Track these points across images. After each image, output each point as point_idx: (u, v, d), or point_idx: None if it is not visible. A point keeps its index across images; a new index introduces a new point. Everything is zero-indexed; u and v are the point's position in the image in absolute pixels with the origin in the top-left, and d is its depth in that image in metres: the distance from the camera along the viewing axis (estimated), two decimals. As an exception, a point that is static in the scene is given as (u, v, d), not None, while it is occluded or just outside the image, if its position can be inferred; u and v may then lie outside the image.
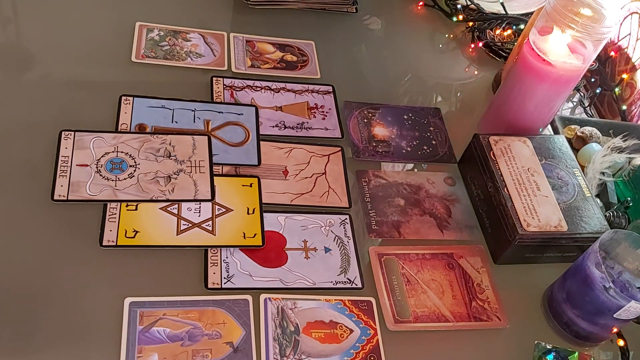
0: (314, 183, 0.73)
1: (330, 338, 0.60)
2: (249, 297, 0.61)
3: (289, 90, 0.83)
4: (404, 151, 0.80)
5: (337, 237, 0.68)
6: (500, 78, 0.91)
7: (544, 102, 0.76)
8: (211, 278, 0.62)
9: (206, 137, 0.73)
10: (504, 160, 0.72)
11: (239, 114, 0.77)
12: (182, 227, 0.65)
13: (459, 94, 0.92)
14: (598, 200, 0.74)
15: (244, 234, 0.66)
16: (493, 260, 0.71)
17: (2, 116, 0.70)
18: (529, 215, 0.67)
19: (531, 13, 0.93)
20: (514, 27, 0.99)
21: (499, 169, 0.71)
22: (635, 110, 0.93)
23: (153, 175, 0.68)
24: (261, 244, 0.65)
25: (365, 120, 0.82)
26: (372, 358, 0.60)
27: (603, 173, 0.77)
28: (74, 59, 0.79)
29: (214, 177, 0.69)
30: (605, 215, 0.71)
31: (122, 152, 0.69)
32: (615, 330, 0.63)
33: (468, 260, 0.70)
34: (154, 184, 0.67)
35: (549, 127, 0.85)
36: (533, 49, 0.73)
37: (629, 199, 0.74)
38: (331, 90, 0.85)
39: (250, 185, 0.70)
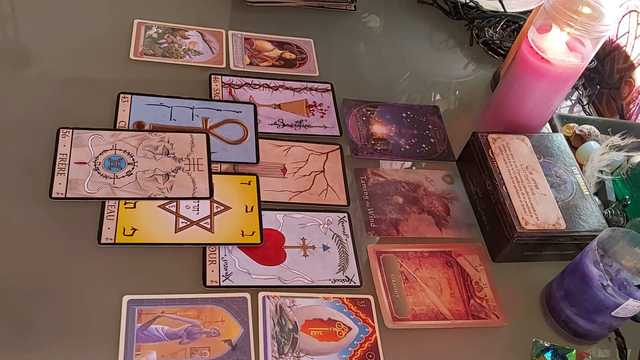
0: (313, 181, 0.73)
1: (328, 336, 0.60)
2: (247, 295, 0.61)
3: (287, 88, 0.83)
4: (402, 149, 0.80)
5: (335, 235, 0.68)
6: (498, 76, 0.91)
7: (543, 100, 0.76)
8: (209, 276, 0.62)
9: (204, 134, 0.73)
10: (503, 159, 0.72)
11: (238, 112, 0.77)
12: (181, 225, 0.65)
13: (457, 92, 0.92)
14: (596, 199, 0.74)
15: (243, 231, 0.66)
16: (491, 258, 0.71)
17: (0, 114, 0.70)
18: (527, 214, 0.67)
19: (530, 11, 0.93)
20: (513, 25, 0.99)
21: (498, 167, 0.71)
22: (634, 108, 0.93)
23: (151, 173, 0.68)
24: (259, 242, 0.65)
25: (364, 118, 0.82)
26: (370, 356, 0.60)
27: (601, 171, 0.77)
28: (72, 57, 0.79)
29: (213, 175, 0.69)
30: (604, 214, 0.71)
31: (120, 149, 0.69)
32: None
33: (466, 258, 0.70)
34: (152, 182, 0.67)
35: (548, 125, 0.85)
36: (532, 47, 0.73)
37: (627, 197, 0.74)
38: (330, 88, 0.84)
39: (249, 183, 0.70)
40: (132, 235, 0.63)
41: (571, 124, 0.85)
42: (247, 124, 0.76)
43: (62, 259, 0.60)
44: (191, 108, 0.76)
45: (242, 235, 0.65)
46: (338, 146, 0.77)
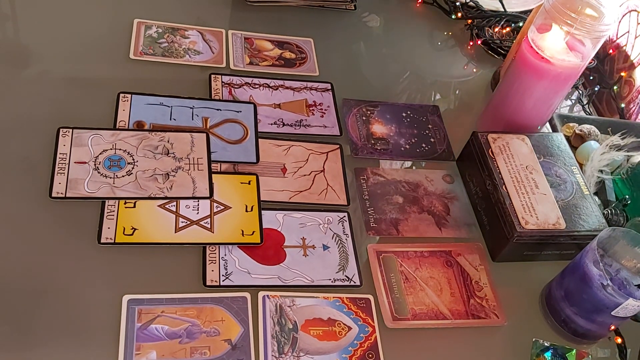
0: (313, 180, 0.73)
1: (328, 335, 0.60)
2: (247, 295, 0.61)
3: (287, 88, 0.83)
4: (402, 149, 0.80)
5: (335, 235, 0.68)
6: (498, 76, 0.91)
7: (543, 99, 0.76)
8: (209, 275, 0.62)
9: (204, 134, 0.73)
10: (503, 158, 0.72)
11: (238, 112, 0.77)
12: (181, 225, 0.65)
13: (457, 92, 0.92)
14: (596, 198, 0.74)
15: (243, 231, 0.66)
16: (491, 257, 0.71)
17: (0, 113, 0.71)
18: (527, 213, 0.67)
19: (530, 10, 0.93)
20: (513, 24, 0.99)
21: (498, 167, 0.71)
22: (634, 108, 0.93)
23: (151, 173, 0.68)
24: (259, 242, 0.65)
25: (364, 118, 0.82)
26: (370, 356, 0.60)
27: (601, 171, 0.77)
28: (72, 56, 0.79)
29: (212, 175, 0.69)
30: (604, 213, 0.71)
31: (120, 149, 0.69)
32: (612, 327, 0.63)
33: (466, 257, 0.70)
34: (152, 182, 0.67)
35: (548, 124, 0.85)
36: (532, 47, 0.73)
37: (627, 196, 0.74)
38: (330, 87, 0.84)
39: (249, 183, 0.70)
40: (132, 234, 0.63)
41: (571, 124, 0.85)
42: (247, 124, 0.76)
43: (62, 259, 0.60)
44: (191, 108, 0.76)
45: (242, 234, 0.65)
46: (338, 146, 0.77)
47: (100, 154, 0.68)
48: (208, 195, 0.67)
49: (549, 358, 0.62)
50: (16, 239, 0.61)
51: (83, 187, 0.65)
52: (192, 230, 0.65)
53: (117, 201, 0.65)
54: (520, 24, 0.97)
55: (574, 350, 0.63)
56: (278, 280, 0.63)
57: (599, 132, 0.83)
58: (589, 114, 0.93)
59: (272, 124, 0.78)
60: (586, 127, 0.83)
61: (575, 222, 0.68)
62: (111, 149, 0.69)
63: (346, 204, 0.72)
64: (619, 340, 0.65)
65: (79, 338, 0.55)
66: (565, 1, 0.70)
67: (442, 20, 1.01)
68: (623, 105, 0.94)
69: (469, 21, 1.00)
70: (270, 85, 0.82)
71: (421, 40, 0.98)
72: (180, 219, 0.65)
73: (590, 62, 0.77)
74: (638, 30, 0.94)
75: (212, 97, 0.79)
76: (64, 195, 0.64)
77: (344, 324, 0.61)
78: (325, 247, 0.67)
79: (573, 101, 0.95)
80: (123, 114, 0.73)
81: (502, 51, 0.96)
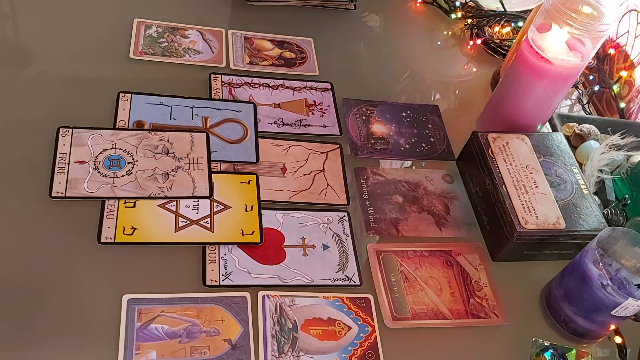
0: (312, 180, 0.73)
1: (328, 335, 0.60)
2: (247, 294, 0.61)
3: (287, 87, 0.83)
4: (402, 148, 0.80)
5: (335, 235, 0.68)
6: (498, 75, 0.91)
7: (542, 99, 0.76)
8: (209, 275, 0.62)
9: (204, 134, 0.73)
10: (502, 158, 0.72)
11: (237, 111, 0.77)
12: (180, 224, 0.65)
13: (457, 91, 0.92)
14: (596, 198, 0.74)
15: (242, 231, 0.66)
16: (491, 257, 0.71)
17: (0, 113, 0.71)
18: (527, 213, 0.67)
19: (530, 10, 0.93)
20: (513, 24, 0.99)
21: (497, 167, 0.71)
22: (634, 107, 0.93)
23: (151, 172, 0.68)
24: (259, 241, 0.65)
25: (364, 118, 0.82)
26: (370, 355, 0.60)
27: (601, 170, 0.77)
28: (71, 56, 0.79)
29: (212, 174, 0.69)
30: (603, 213, 0.71)
31: (120, 149, 0.69)
32: (612, 327, 0.63)
33: (466, 257, 0.70)
34: (152, 181, 0.67)
35: (547, 124, 0.85)
36: (531, 46, 0.73)
37: (626, 196, 0.74)
38: (329, 87, 0.84)
39: (249, 183, 0.70)
40: (132, 234, 0.63)
41: (571, 123, 0.85)
42: (247, 123, 0.76)
43: (62, 258, 0.60)
44: (191, 107, 0.76)
45: (242, 234, 0.65)
46: (338, 145, 0.77)
47: (100, 153, 0.68)
48: (208, 195, 0.67)
49: (549, 358, 0.62)
50: (16, 239, 0.61)
51: (83, 186, 0.65)
52: (192, 229, 0.65)
53: (117, 201, 0.65)
54: (520, 24, 0.97)
55: (574, 350, 0.63)
56: (278, 280, 0.63)
57: (598, 132, 0.83)
58: (589, 114, 0.93)
59: (272, 124, 0.78)
60: (586, 127, 0.83)
61: (575, 222, 0.68)
62: (111, 148, 0.69)
63: (346, 203, 0.72)
64: (619, 340, 0.65)
65: (78, 337, 0.55)
66: (565, 1, 0.70)
67: (442, 19, 1.01)
68: (623, 105, 0.94)
69: (469, 21, 1.00)
70: (270, 84, 0.82)
71: (421, 39, 0.98)
72: (180, 219, 0.65)
73: (590, 62, 0.77)
74: (638, 30, 0.94)
75: (212, 97, 0.79)
76: (63, 195, 0.64)
77: (344, 324, 0.61)
78: (325, 247, 0.67)
79: (573, 101, 0.95)
80: (123, 114, 0.73)
81: (502, 51, 0.96)
